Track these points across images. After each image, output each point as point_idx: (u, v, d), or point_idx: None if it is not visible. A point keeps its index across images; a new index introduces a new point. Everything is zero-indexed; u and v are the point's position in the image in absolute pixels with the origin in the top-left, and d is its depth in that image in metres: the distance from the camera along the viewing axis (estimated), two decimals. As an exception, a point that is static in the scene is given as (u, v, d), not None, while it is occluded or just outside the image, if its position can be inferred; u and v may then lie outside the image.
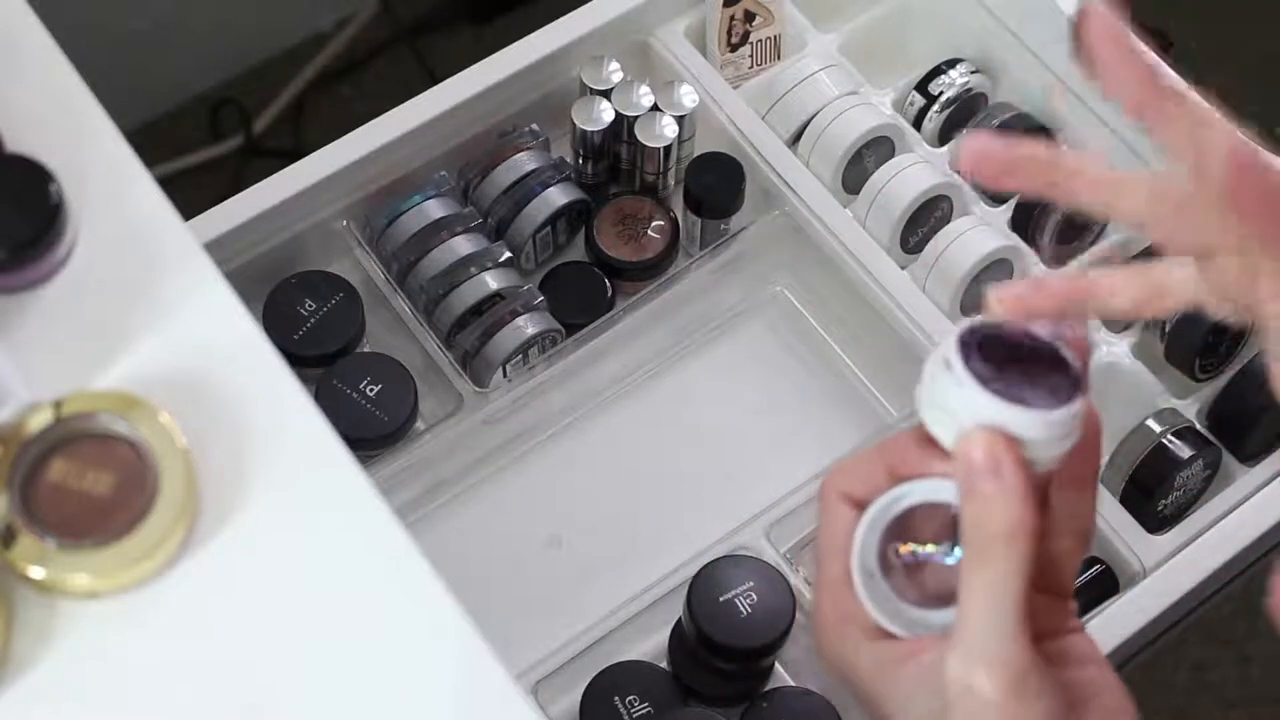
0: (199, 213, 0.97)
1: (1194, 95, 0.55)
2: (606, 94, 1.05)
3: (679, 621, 0.94)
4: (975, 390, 0.55)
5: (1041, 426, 0.55)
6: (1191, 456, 0.98)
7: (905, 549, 0.57)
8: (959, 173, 1.06)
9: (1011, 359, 0.56)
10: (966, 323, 0.57)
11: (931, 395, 0.56)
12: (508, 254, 1.02)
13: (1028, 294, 0.57)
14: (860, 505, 0.58)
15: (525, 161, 1.04)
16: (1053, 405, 0.55)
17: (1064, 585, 0.59)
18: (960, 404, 0.55)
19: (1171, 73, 0.55)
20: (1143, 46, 0.54)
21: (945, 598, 0.56)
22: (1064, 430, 0.55)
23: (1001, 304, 0.57)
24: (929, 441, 0.57)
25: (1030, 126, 1.07)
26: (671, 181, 1.07)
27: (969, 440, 0.55)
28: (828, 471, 0.60)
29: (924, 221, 1.04)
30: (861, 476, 0.59)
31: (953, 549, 0.57)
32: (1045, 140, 0.99)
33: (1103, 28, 0.54)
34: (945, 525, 0.57)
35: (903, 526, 0.57)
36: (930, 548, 0.57)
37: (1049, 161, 0.56)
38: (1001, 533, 0.54)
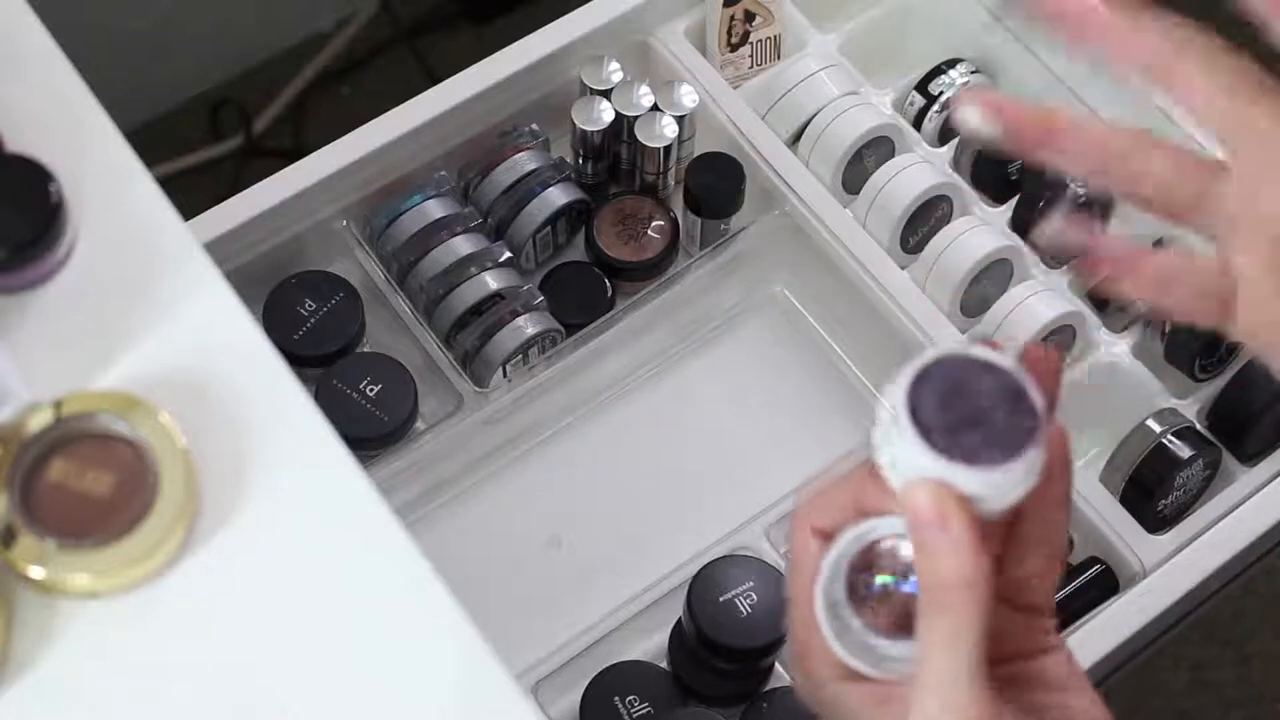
0: (199, 213, 0.97)
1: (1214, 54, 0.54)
2: (606, 94, 1.05)
3: (679, 621, 0.94)
4: (919, 446, 0.53)
5: (989, 485, 0.53)
6: (1191, 456, 0.98)
7: (877, 580, 0.56)
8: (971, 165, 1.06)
9: (968, 397, 0.54)
10: (921, 360, 0.55)
11: (881, 441, 0.55)
12: (508, 254, 1.02)
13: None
14: (829, 537, 0.57)
15: (525, 161, 1.04)
16: (1003, 459, 0.53)
17: (1039, 604, 0.58)
18: (905, 457, 0.54)
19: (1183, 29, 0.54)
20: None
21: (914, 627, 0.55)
22: (1015, 483, 0.54)
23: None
24: None
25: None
26: (671, 181, 1.07)
27: (913, 493, 0.53)
28: (799, 505, 0.59)
29: (924, 221, 1.04)
30: (829, 509, 0.58)
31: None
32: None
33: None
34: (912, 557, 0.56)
35: (874, 556, 0.56)
36: (901, 578, 0.56)
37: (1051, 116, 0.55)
38: (953, 584, 0.53)
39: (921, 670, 0.54)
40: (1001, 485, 0.53)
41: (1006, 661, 0.57)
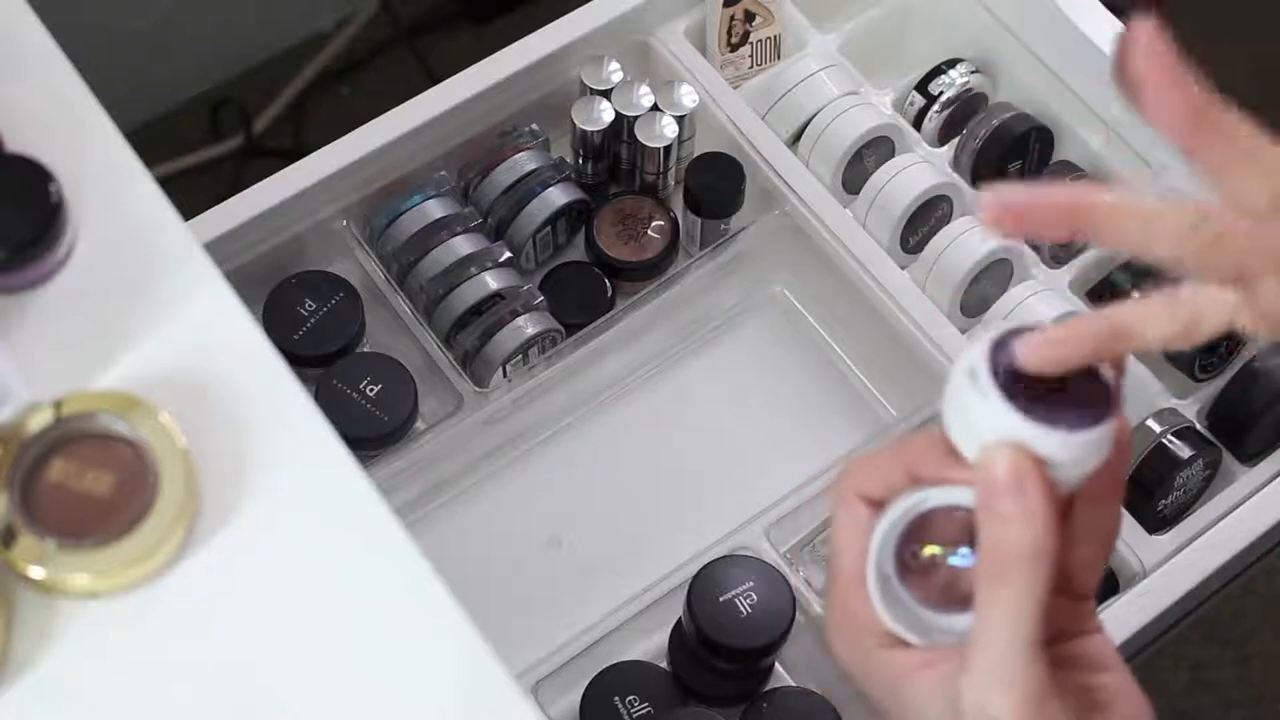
0: (199, 213, 0.97)
1: (1240, 124, 0.53)
2: (606, 94, 1.05)
3: (679, 621, 0.94)
4: (1001, 405, 0.52)
5: (1069, 447, 0.53)
6: (1191, 456, 0.98)
7: (925, 551, 0.56)
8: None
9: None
10: (997, 329, 0.54)
11: (956, 405, 0.54)
12: (508, 254, 1.02)
13: (1058, 340, 0.53)
14: (877, 505, 0.57)
15: (525, 161, 1.04)
16: (1082, 424, 0.53)
17: (1084, 589, 0.58)
18: (984, 418, 0.53)
19: (1218, 101, 0.53)
20: (1186, 72, 0.53)
21: (964, 601, 0.55)
22: (1092, 451, 0.53)
23: (1030, 355, 0.53)
24: (951, 448, 0.55)
25: (1030, 127, 1.07)
26: (671, 181, 1.07)
27: (992, 456, 0.53)
28: (844, 467, 0.59)
29: (924, 221, 1.04)
30: (879, 476, 0.57)
31: (973, 552, 0.55)
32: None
33: (1150, 52, 0.52)
34: (966, 528, 0.55)
35: (922, 527, 0.56)
36: (950, 550, 0.55)
37: (1071, 207, 0.54)
38: (1022, 554, 0.52)
39: (978, 640, 0.53)
40: (1081, 450, 0.53)
41: (1051, 643, 0.57)
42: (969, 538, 0.55)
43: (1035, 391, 0.53)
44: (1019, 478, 0.52)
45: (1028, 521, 0.52)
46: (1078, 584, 0.58)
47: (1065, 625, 0.57)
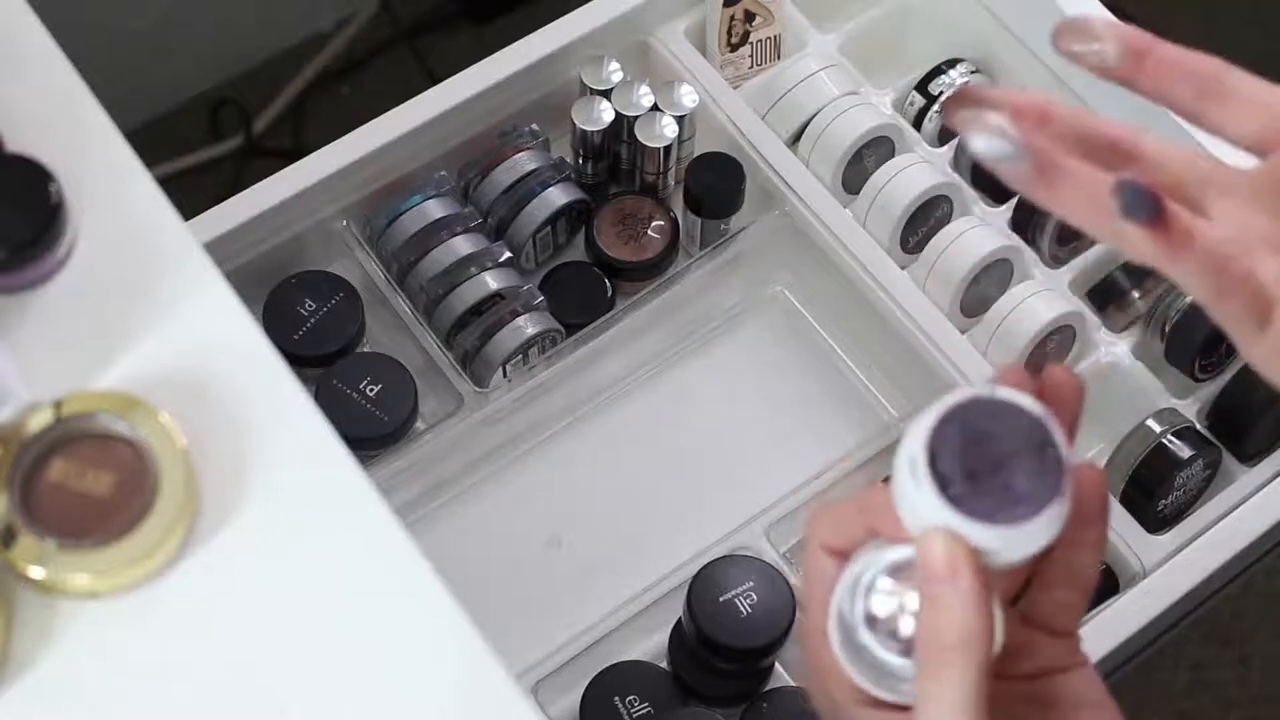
0: (199, 213, 0.97)
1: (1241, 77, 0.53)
2: (606, 94, 1.05)
3: (679, 621, 0.94)
4: (934, 497, 0.52)
5: (1004, 539, 0.52)
6: (1191, 456, 0.98)
7: (890, 602, 0.55)
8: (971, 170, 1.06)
9: (990, 443, 0.53)
10: (946, 403, 0.53)
11: (898, 490, 0.54)
12: (508, 254, 1.02)
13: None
14: (843, 555, 0.57)
15: (525, 161, 1.04)
16: (1021, 515, 0.52)
17: (1065, 628, 0.58)
18: (922, 507, 0.53)
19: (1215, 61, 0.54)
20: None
21: None
22: (1031, 538, 0.53)
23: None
24: None
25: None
26: (671, 181, 1.07)
27: (927, 543, 0.53)
28: (809, 517, 0.59)
29: (924, 221, 1.04)
30: (842, 529, 0.57)
31: None
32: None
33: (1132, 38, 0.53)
34: None
35: (887, 580, 0.55)
36: (913, 598, 0.55)
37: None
38: (956, 642, 0.52)
39: None
40: (1017, 541, 0.53)
41: (1029, 679, 0.57)
42: None
43: (976, 476, 0.52)
44: (953, 568, 0.52)
45: (962, 607, 0.52)
46: (1058, 624, 0.58)
47: (1047, 662, 0.57)
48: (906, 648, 0.55)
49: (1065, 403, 0.56)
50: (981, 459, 0.53)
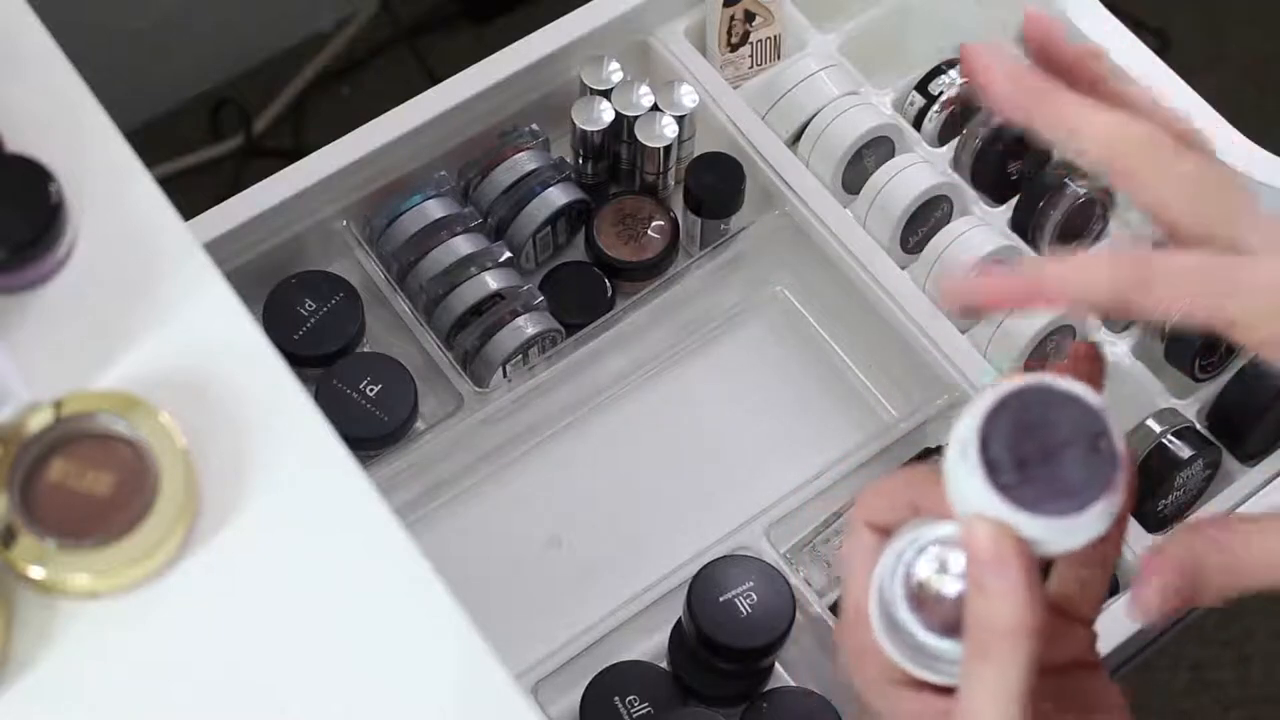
0: (199, 213, 0.97)
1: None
2: (606, 94, 1.05)
3: (679, 621, 0.94)
4: (984, 486, 0.51)
5: (1051, 531, 0.51)
6: (1191, 456, 0.98)
7: (931, 580, 0.54)
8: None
9: (1044, 432, 0.52)
10: (1001, 389, 0.52)
11: (950, 472, 0.53)
12: (508, 254, 1.02)
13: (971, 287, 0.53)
14: (885, 533, 0.56)
15: (525, 161, 1.04)
16: (1070, 508, 0.51)
17: (1084, 612, 0.57)
18: (972, 493, 0.52)
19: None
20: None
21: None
22: (1080, 531, 0.52)
23: (945, 298, 0.53)
24: None
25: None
26: (671, 181, 1.07)
27: (974, 531, 0.52)
28: (858, 495, 0.58)
29: (924, 221, 1.04)
30: (888, 504, 0.56)
31: None
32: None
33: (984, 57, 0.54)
34: None
35: (929, 558, 0.54)
36: (954, 579, 0.54)
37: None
38: (1006, 631, 0.51)
39: (964, 715, 0.52)
40: (1065, 532, 0.52)
41: (1059, 672, 0.56)
42: None
43: (1027, 466, 0.51)
44: (999, 554, 0.51)
45: (1012, 598, 0.51)
46: (1079, 606, 0.57)
47: (1063, 651, 0.57)
48: (947, 628, 0.54)
49: (1089, 372, 0.55)
50: (1034, 446, 0.52)
